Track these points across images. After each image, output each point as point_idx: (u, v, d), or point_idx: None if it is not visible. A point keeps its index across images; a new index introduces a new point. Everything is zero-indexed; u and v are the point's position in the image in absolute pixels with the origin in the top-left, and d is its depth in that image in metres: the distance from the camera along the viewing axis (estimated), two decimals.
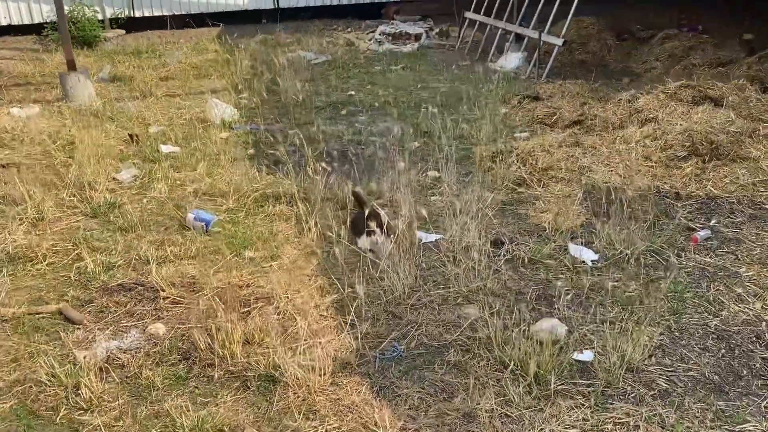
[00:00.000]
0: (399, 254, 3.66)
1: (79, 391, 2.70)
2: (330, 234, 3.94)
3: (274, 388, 2.77)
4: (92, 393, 2.68)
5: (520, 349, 2.87)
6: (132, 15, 11.72)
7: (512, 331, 3.05)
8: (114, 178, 5.14)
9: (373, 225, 3.75)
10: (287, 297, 3.42)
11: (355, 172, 4.95)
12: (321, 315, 3.27)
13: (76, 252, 3.95)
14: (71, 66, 7.58)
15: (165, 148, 5.85)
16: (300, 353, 2.93)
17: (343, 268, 3.69)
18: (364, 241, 3.94)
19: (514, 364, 2.84)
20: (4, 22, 11.17)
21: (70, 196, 4.74)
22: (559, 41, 8.04)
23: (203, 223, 4.23)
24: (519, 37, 9.03)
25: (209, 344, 2.97)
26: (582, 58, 9.15)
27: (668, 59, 8.32)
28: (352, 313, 3.18)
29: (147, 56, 10.24)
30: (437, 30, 11.54)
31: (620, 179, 4.77)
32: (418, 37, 10.87)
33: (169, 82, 8.60)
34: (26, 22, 11.24)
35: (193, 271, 3.73)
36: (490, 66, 8.98)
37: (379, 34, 11.11)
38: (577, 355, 2.92)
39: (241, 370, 2.87)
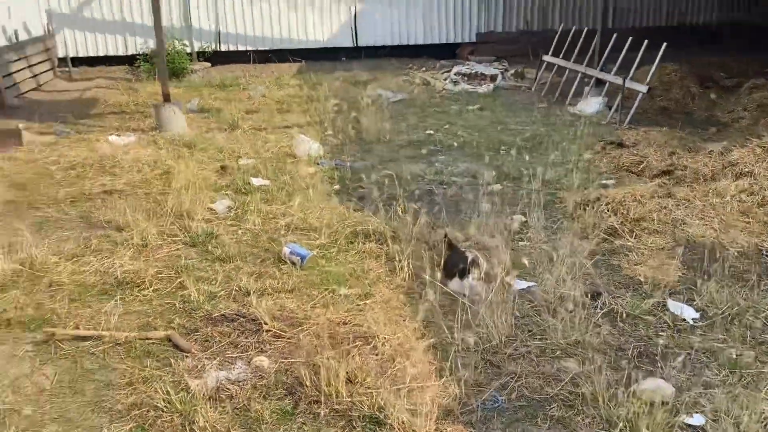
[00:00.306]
0: (494, 301, 3.66)
1: (194, 420, 2.80)
2: (423, 275, 3.99)
3: (379, 431, 2.80)
4: (207, 422, 2.77)
5: (628, 409, 2.82)
6: (218, 49, 12.28)
7: (617, 389, 2.99)
8: (209, 208, 5.35)
9: (473, 270, 3.78)
10: (385, 337, 3.46)
11: (444, 214, 5.00)
12: (419, 358, 3.29)
13: (179, 280, 4.11)
14: (166, 98, 8.00)
15: (256, 181, 6.06)
16: (403, 396, 2.96)
17: (438, 311, 3.72)
18: (456, 285, 3.97)
19: (622, 425, 2.79)
20: (101, 53, 11.90)
21: (170, 225, 4.95)
22: (643, 88, 7.97)
23: (299, 258, 4.35)
24: (599, 82, 9.01)
25: (314, 381, 3.03)
26: (664, 105, 9.01)
27: (757, 110, 8.11)
28: (452, 359, 3.19)
29: (231, 89, 10.71)
30: (513, 71, 11.62)
31: (716, 234, 4.66)
32: (493, 78, 10.96)
33: (254, 115, 8.93)
34: (120, 53, 11.94)
35: (292, 305, 3.82)
36: (568, 110, 8.96)
37: (455, 74, 11.26)
38: (687, 419, 2.84)
39: (345, 409, 2.92)
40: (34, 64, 10.38)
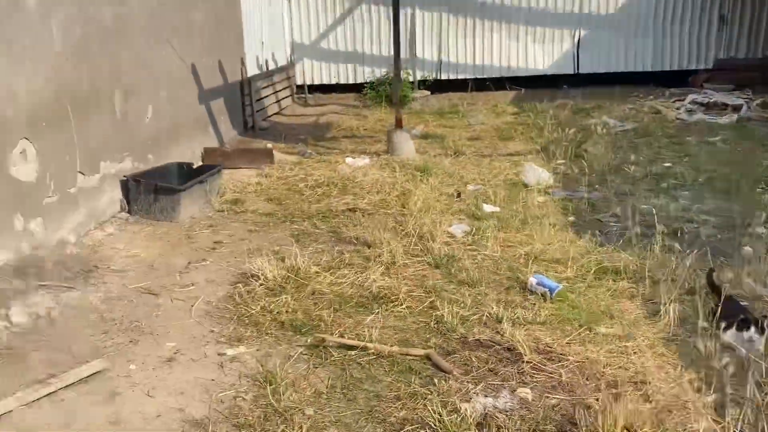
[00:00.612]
0: None
1: None
2: (691, 322, 3.66)
3: None
4: None
5: None
6: (438, 77, 12.68)
7: None
8: (447, 231, 5.44)
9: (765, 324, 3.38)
10: (657, 385, 3.20)
11: (708, 256, 4.56)
12: (701, 414, 2.99)
13: (429, 300, 4.21)
14: (398, 124, 8.39)
15: (487, 208, 6.07)
16: None
17: (715, 364, 3.35)
18: (733, 337, 3.56)
19: None
20: (333, 81, 12.91)
21: (413, 245, 5.12)
22: None
23: (546, 290, 4.23)
24: None
25: (588, 422, 2.88)
26: None
27: None
28: (743, 419, 2.85)
29: (451, 116, 10.95)
30: (759, 101, 10.45)
31: None
32: (737, 108, 9.94)
33: (476, 142, 9.02)
34: (350, 81, 12.84)
35: (546, 338, 3.70)
36: None
37: (690, 103, 10.42)
38: None
39: None
40: (278, 91, 11.54)
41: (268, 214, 6.11)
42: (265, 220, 5.95)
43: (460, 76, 12.68)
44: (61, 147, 5.00)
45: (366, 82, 12.31)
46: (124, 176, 5.89)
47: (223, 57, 8.85)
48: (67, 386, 3.25)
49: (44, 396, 3.16)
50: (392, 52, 12.32)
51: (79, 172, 5.25)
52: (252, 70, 10.18)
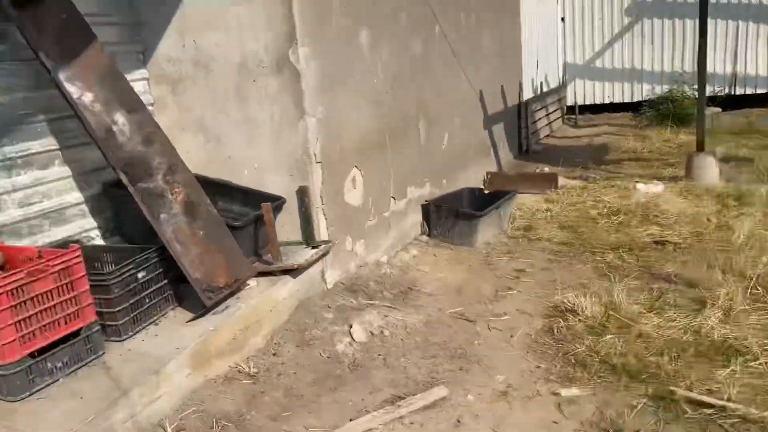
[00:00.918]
0: None
1: None
2: None
3: None
4: None
5: None
6: (731, 93, 11.32)
7: None
8: None
9: None
10: None
11: None
12: None
13: None
14: (699, 146, 7.59)
15: None
16: None
17: None
18: None
19: None
20: (607, 100, 12.27)
21: (752, 288, 4.46)
22: None
23: None
24: None
25: None
26: None
27: None
28: None
29: (752, 135, 9.65)
30: None
31: None
32: None
33: None
34: (625, 100, 12.10)
35: None
36: None
37: None
38: None
39: None
40: (550, 113, 11.29)
41: (564, 243, 5.87)
42: (564, 250, 5.71)
43: (759, 91, 11.15)
44: (380, 174, 5.35)
45: (644, 101, 11.48)
46: (426, 201, 6.13)
47: (505, 82, 8.88)
48: (415, 410, 3.35)
49: (396, 418, 3.29)
50: (674, 68, 11.43)
51: (392, 197, 5.57)
52: (527, 93, 10.09)
